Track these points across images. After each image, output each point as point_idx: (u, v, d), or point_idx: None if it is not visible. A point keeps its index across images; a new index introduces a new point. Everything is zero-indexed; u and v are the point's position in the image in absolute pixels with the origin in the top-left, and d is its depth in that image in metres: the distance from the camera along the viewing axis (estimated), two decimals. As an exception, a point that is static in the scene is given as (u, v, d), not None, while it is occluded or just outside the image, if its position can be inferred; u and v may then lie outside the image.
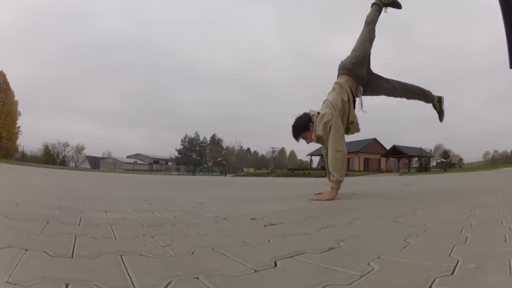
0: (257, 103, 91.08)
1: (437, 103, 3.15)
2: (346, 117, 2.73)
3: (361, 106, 2.92)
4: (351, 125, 2.80)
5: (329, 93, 2.81)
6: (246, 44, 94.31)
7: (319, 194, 2.70)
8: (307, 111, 2.85)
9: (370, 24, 2.94)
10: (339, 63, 2.91)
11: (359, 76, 2.85)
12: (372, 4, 3.02)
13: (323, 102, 2.78)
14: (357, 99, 2.90)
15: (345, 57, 2.91)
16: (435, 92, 3.17)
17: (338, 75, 2.90)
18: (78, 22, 79.95)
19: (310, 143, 2.88)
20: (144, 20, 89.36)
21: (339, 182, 2.54)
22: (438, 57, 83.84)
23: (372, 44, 2.93)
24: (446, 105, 3.16)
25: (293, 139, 2.92)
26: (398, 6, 3.06)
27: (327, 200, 2.45)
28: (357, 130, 2.86)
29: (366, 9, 3.07)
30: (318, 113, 2.67)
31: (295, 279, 0.64)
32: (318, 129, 2.62)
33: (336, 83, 2.83)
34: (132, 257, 0.77)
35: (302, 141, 2.90)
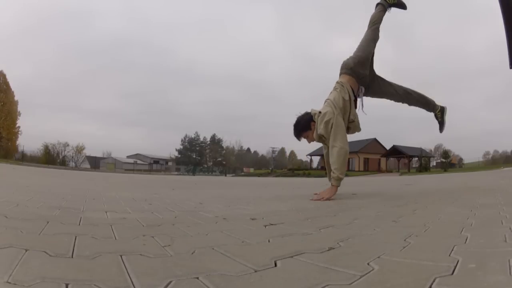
0: (257, 103, 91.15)
1: (439, 113, 3.10)
2: (347, 116, 2.73)
3: (362, 107, 2.91)
4: (351, 124, 2.79)
5: (331, 92, 2.80)
6: (246, 44, 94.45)
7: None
8: (309, 111, 2.85)
9: (375, 24, 2.92)
10: (342, 62, 2.90)
11: (361, 76, 2.83)
12: (377, 4, 2.98)
13: (325, 102, 2.78)
14: (358, 99, 2.89)
15: (348, 57, 2.89)
16: (439, 102, 3.12)
17: (340, 74, 2.88)
18: (78, 22, 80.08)
19: (312, 142, 2.88)
20: (144, 20, 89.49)
21: (339, 180, 2.51)
22: (438, 57, 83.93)
23: (375, 44, 2.91)
24: (447, 105, 3.15)
25: (295, 138, 2.90)
26: (403, 6, 3.02)
27: (327, 199, 2.44)
28: (358, 129, 2.85)
29: (366, 9, 3.07)
30: (320, 112, 2.67)
31: (295, 279, 0.64)
32: (320, 128, 2.62)
33: (337, 82, 2.82)
34: (132, 257, 0.77)
35: (303, 140, 2.90)
